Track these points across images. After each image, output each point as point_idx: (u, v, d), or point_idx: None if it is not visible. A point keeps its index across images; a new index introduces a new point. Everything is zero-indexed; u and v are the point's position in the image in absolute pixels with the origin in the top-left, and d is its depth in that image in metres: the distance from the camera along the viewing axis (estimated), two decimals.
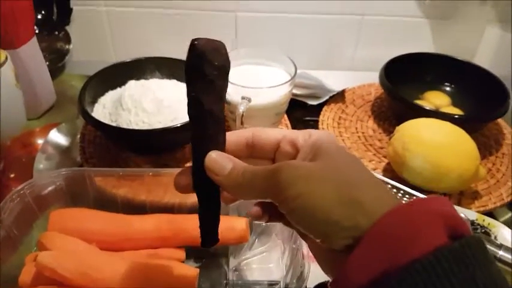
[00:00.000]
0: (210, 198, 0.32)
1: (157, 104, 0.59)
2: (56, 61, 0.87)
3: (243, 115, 0.56)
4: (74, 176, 0.52)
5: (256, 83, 0.58)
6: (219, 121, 0.31)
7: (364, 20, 0.86)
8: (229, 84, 0.56)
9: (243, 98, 0.57)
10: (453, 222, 0.25)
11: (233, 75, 0.61)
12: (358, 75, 0.89)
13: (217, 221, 0.33)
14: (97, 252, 0.47)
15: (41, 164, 0.66)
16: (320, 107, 0.75)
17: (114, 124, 0.59)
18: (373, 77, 0.79)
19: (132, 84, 0.63)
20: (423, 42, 0.90)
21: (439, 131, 0.57)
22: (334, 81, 0.79)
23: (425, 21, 0.86)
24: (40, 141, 0.70)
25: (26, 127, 0.73)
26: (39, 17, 0.84)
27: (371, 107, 0.76)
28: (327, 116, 0.73)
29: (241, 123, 0.57)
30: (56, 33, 0.87)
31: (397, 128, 0.60)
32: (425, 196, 0.27)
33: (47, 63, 0.83)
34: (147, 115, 0.58)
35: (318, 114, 0.74)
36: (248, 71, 0.63)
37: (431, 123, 0.58)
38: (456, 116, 0.64)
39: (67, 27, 0.88)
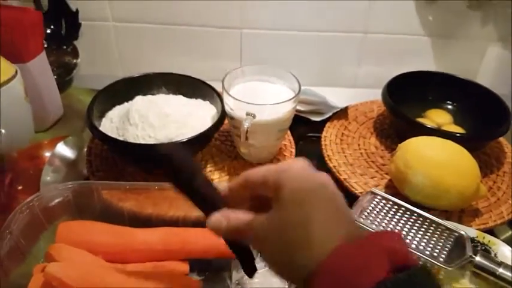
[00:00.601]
0: (236, 243, 0.37)
1: (163, 118, 0.61)
2: (64, 75, 0.88)
3: (247, 131, 0.57)
4: (81, 188, 0.53)
5: (260, 100, 0.60)
6: (209, 190, 0.37)
7: (367, 38, 0.88)
8: (233, 100, 0.57)
9: (247, 114, 0.58)
10: (398, 257, 0.27)
11: (238, 91, 0.63)
12: (360, 92, 0.90)
13: (250, 256, 0.38)
14: (103, 264, 0.48)
15: (48, 176, 0.67)
16: (323, 123, 0.77)
17: (121, 138, 0.60)
18: (376, 94, 0.81)
19: (139, 99, 0.64)
20: (425, 60, 0.91)
21: (441, 149, 0.58)
22: (336, 98, 0.81)
23: (427, 39, 0.88)
24: (47, 154, 0.71)
25: (34, 140, 0.74)
26: (48, 31, 0.86)
27: (373, 124, 0.77)
28: (329, 132, 0.74)
29: (246, 138, 0.58)
30: (64, 47, 0.89)
31: (400, 145, 0.61)
32: (377, 230, 0.31)
33: (55, 77, 0.85)
34: (154, 130, 0.59)
35: (320, 131, 0.75)
36: (253, 87, 0.64)
37: (433, 141, 0.59)
38: (458, 135, 0.65)
39: (75, 42, 0.89)
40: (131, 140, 0.59)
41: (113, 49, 0.91)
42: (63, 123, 0.83)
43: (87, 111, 0.61)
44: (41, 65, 0.76)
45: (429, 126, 0.67)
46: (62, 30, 0.87)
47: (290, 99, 0.59)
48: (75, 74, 0.90)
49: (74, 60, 0.89)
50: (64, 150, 0.71)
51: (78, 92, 0.90)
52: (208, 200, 0.37)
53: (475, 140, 0.67)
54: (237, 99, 0.58)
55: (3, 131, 0.66)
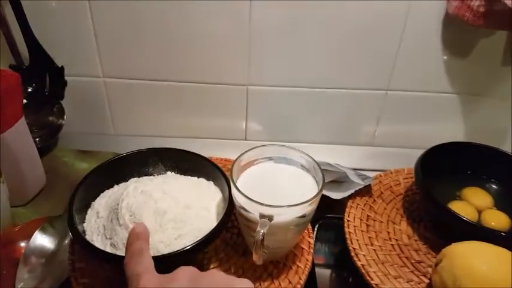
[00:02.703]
0: None
1: (159, 217, 0.50)
2: (47, 137, 0.78)
3: (263, 238, 0.46)
4: None
5: (275, 189, 0.51)
6: None
7: (388, 96, 0.78)
8: (244, 198, 0.47)
9: (262, 216, 0.47)
10: None
11: (248, 179, 0.53)
12: (379, 151, 0.82)
13: None
14: None
15: (21, 282, 0.56)
16: (343, 199, 0.66)
17: (108, 242, 0.49)
18: (395, 153, 0.79)
19: (130, 190, 0.53)
20: (448, 119, 0.82)
21: (496, 262, 0.47)
22: (350, 157, 0.76)
23: (451, 96, 0.79)
24: (22, 244, 0.61)
25: (9, 222, 0.64)
26: (30, 89, 0.76)
27: (402, 203, 0.66)
28: (352, 215, 0.63)
29: (261, 245, 0.47)
30: (48, 106, 0.78)
31: (443, 252, 0.51)
32: None
33: (37, 139, 0.75)
34: None
35: (341, 209, 0.65)
36: (264, 173, 0.54)
37: (485, 250, 0.49)
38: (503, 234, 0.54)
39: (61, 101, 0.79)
40: (120, 245, 0.48)
41: (103, 106, 0.81)
42: (46, 190, 0.73)
43: (68, 211, 0.51)
44: (19, 133, 0.66)
45: (470, 221, 0.54)
46: (45, 88, 0.77)
47: (316, 196, 0.49)
48: (60, 135, 0.80)
49: (60, 121, 0.79)
50: (41, 240, 0.61)
51: (63, 153, 0.80)
52: None
53: None
54: (249, 199, 0.48)
55: None
